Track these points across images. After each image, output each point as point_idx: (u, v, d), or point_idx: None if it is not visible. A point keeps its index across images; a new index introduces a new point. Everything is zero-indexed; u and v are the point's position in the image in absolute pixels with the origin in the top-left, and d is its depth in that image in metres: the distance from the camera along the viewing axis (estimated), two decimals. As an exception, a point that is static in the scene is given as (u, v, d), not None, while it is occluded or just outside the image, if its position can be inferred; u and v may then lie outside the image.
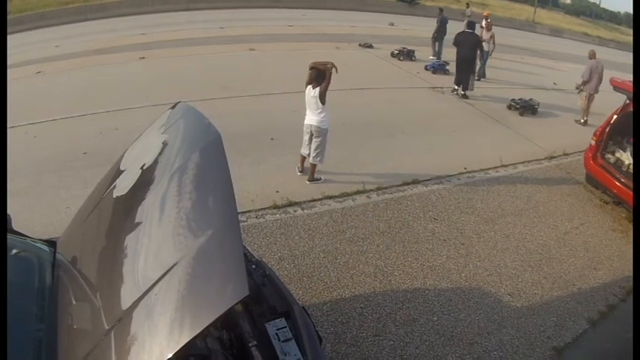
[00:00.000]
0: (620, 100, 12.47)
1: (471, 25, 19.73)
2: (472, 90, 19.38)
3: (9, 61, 21.99)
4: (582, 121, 18.30)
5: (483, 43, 20.94)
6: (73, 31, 30.44)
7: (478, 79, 21.09)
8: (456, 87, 19.51)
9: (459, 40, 19.22)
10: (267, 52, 23.80)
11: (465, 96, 19.26)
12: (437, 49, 25.49)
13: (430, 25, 26.51)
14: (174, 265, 3.72)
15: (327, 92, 10.60)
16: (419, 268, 8.99)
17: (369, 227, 10.05)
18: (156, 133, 5.41)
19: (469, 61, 19.07)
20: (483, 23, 22.27)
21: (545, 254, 9.87)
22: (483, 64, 22.34)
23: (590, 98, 18.02)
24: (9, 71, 20.21)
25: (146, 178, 4.85)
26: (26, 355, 4.07)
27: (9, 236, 5.32)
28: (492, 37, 22.22)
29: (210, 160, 4.62)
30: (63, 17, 34.21)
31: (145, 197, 4.70)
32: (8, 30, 29.86)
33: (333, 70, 10.52)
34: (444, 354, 7.24)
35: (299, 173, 11.69)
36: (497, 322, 7.92)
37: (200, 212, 4.27)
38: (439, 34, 25.21)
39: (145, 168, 4.93)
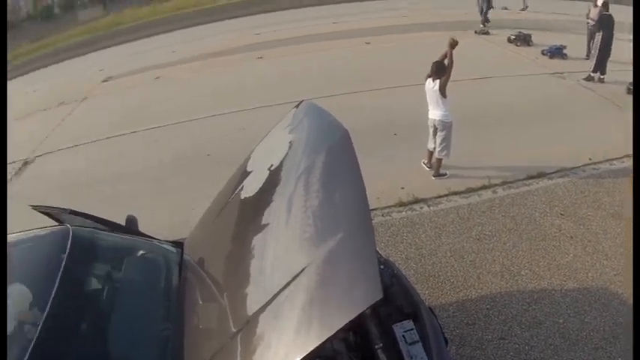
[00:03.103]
0: None
1: (607, 5, 19.21)
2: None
3: (129, 69, 22.93)
4: None
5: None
6: (187, 36, 31.57)
7: None
8: (592, 74, 18.81)
9: (605, 22, 18.58)
10: (383, 44, 23.87)
11: (602, 80, 18.74)
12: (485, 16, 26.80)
13: (551, 7, 25.88)
14: (303, 269, 3.84)
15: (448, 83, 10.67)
16: (546, 267, 8.97)
17: (496, 224, 10.12)
18: (282, 132, 5.61)
19: (611, 44, 18.59)
20: (600, 1, 21.44)
21: (678, 253, 9.61)
22: None
23: None
24: (126, 78, 21.07)
25: (274, 179, 5.04)
26: (153, 353, 4.40)
27: (136, 238, 5.67)
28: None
29: (338, 159, 4.74)
30: (175, 23, 35.21)
31: (273, 199, 4.89)
32: (122, 39, 31.19)
33: (453, 63, 10.66)
34: (568, 359, 7.24)
35: (427, 168, 11.84)
36: (623, 326, 7.76)
37: (330, 213, 4.37)
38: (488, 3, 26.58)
39: (272, 169, 5.13)
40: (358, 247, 3.83)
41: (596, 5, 20.61)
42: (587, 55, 21.13)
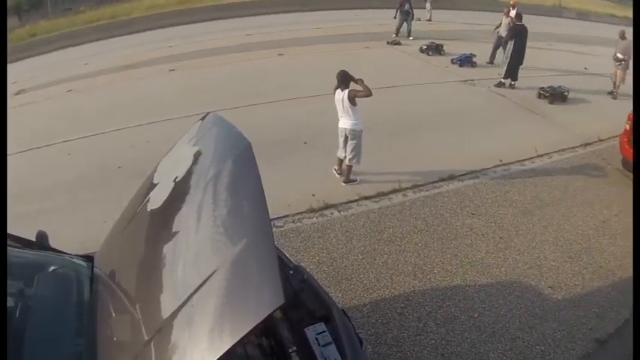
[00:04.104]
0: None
1: (520, 16, 19.74)
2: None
3: (41, 81, 22.40)
4: (615, 92, 19.17)
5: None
6: (101, 48, 30.85)
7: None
8: (503, 80, 19.38)
9: (518, 32, 19.06)
10: (296, 56, 23.87)
11: (512, 86, 19.29)
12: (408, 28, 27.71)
13: (464, 18, 26.36)
14: (213, 272, 3.74)
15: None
16: (458, 264, 8.99)
17: (407, 226, 10.07)
18: (187, 144, 5.47)
19: (524, 53, 19.14)
20: (512, 13, 22.05)
21: (584, 244, 9.80)
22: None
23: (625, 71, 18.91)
24: (39, 91, 20.58)
25: (180, 190, 4.90)
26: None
27: (46, 253, 5.44)
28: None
29: (241, 169, 4.65)
30: (90, 35, 34.58)
31: (179, 208, 4.75)
32: (36, 51, 30.43)
33: (371, 92, 10.51)
34: (485, 351, 7.24)
35: (337, 175, 11.74)
36: (538, 316, 7.87)
37: (235, 221, 4.28)
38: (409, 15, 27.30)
39: (177, 180, 4.98)
40: (261, 253, 3.78)
41: (508, 16, 21.65)
42: (490, 61, 22.48)
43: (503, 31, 21.81)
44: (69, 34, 35.60)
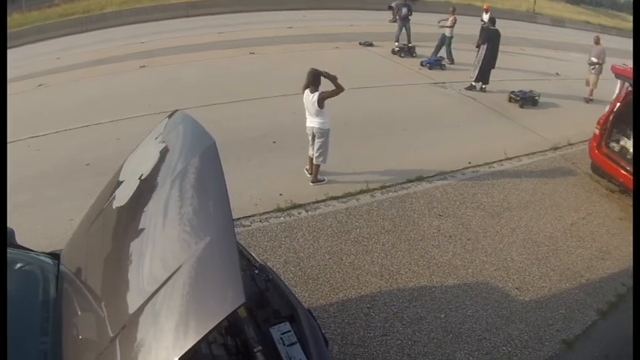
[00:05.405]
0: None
1: (493, 21, 19.92)
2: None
3: (10, 75, 22.09)
4: (590, 97, 19.54)
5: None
6: (73, 43, 30.47)
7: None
8: (474, 84, 19.47)
9: (491, 36, 19.13)
10: (267, 55, 23.72)
11: (483, 89, 19.41)
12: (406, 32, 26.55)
13: (433, 21, 26.41)
14: (177, 270, 3.71)
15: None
16: (425, 265, 8.97)
17: (374, 226, 10.03)
18: (153, 142, 5.42)
19: (496, 56, 19.26)
20: (486, 17, 22.21)
21: (552, 246, 9.82)
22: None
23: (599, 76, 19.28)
24: (10, 85, 20.27)
25: (145, 187, 4.89)
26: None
27: (12, 250, 5.32)
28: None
29: (205, 168, 4.64)
30: (63, 29, 34.21)
31: (145, 205, 4.72)
32: (8, 44, 30.05)
33: (341, 89, 10.42)
34: (452, 351, 7.23)
35: (309, 175, 11.65)
36: (505, 317, 7.89)
37: (198, 219, 4.27)
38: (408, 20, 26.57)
39: (143, 177, 4.97)
40: (222, 252, 3.76)
41: (453, 13, 22.67)
42: (435, 55, 23.27)
43: (446, 32, 23.01)
44: (42, 28, 35.17)
